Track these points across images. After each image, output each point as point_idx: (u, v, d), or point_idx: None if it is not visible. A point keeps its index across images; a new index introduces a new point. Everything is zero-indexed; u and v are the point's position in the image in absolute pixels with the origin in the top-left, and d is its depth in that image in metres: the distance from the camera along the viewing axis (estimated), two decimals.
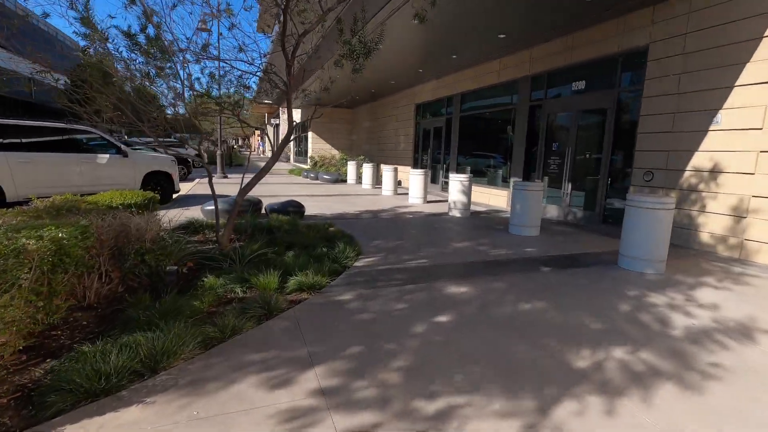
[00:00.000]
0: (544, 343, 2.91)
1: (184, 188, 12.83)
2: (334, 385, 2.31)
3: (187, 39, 4.48)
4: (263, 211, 7.92)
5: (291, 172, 20.87)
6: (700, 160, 6.04)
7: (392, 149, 17.66)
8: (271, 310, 3.26)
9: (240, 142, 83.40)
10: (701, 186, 6.02)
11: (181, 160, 16.01)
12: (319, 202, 10.30)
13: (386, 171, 12.66)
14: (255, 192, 12.03)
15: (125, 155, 8.57)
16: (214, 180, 15.25)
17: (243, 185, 5.15)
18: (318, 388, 2.28)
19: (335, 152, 23.71)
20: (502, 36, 8.72)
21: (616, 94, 7.38)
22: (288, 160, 34.76)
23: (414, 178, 10.78)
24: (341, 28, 4.51)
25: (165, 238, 3.94)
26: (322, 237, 5.78)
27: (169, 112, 5.35)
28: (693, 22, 6.06)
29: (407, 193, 11.94)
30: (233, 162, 25.04)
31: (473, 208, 9.95)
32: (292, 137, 5.21)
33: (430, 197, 11.87)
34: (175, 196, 10.54)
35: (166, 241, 3.91)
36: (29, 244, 2.57)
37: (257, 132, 66.29)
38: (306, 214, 8.17)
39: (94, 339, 2.76)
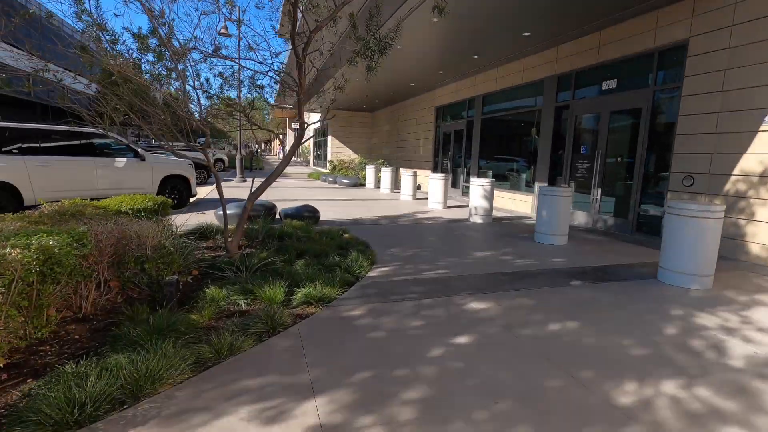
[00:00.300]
0: (580, 373, 2.53)
1: (203, 192, 12.84)
2: (335, 422, 2.01)
3: (194, 38, 4.29)
4: (277, 216, 7.73)
5: (310, 176, 20.82)
6: (748, 163, 5.50)
7: (412, 153, 17.35)
8: (274, 326, 2.99)
9: (263, 146, 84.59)
10: (750, 192, 5.48)
11: (201, 164, 16.11)
12: (336, 206, 10.07)
13: (405, 175, 12.35)
14: (271, 196, 11.90)
15: (142, 159, 8.54)
16: (233, 184, 15.27)
17: (252, 190, 4.94)
18: (317, 425, 1.98)
19: (355, 156, 23.57)
20: (526, 34, 8.32)
21: (651, 93, 6.88)
22: (308, 163, 34.91)
23: (434, 183, 10.44)
24: (354, 24, 4.25)
25: (167, 245, 3.73)
26: (335, 244, 5.51)
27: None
28: (739, 13, 5.55)
29: (427, 198, 11.60)
30: (254, 166, 25.21)
31: (496, 213, 9.53)
32: (303, 140, 4.97)
33: (450, 202, 11.50)
34: (192, 199, 10.51)
35: (167, 249, 3.70)
36: (11, 254, 2.38)
37: (280, 136, 67.24)
38: (321, 219, 7.94)
39: (83, 355, 2.54)
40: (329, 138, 24.27)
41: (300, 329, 3.04)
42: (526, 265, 5.01)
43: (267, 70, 4.54)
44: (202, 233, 5.83)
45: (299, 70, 4.24)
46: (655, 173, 6.96)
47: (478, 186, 8.33)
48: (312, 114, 32.54)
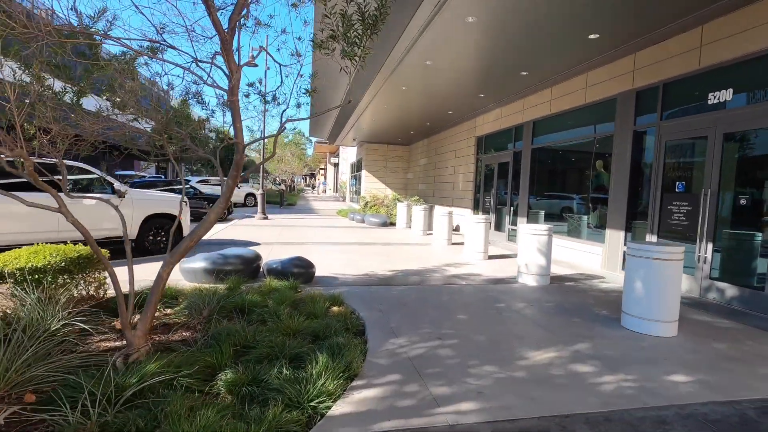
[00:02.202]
0: None
1: (214, 230, 11.53)
2: None
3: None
4: (262, 270, 5.99)
5: (339, 213, 19.33)
6: None
7: (449, 189, 15.40)
8: None
9: (307, 181, 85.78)
10: None
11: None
12: (349, 254, 8.24)
13: (439, 215, 10.38)
14: (280, 238, 10.28)
15: (121, 195, 7.24)
16: (252, 222, 13.46)
17: (171, 248, 3.21)
18: None
19: (389, 192, 21.95)
20: (593, 37, 6.35)
21: None
22: (345, 199, 33.77)
23: (473, 228, 8.38)
24: None
25: None
26: (310, 329, 3.61)
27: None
28: None
29: (463, 243, 9.52)
30: (285, 202, 24.21)
31: (553, 269, 7.25)
32: (249, 171, 3.25)
33: (493, 249, 9.33)
34: None
35: None
36: None
37: (322, 170, 67.60)
38: (320, 274, 6.11)
39: None
40: (363, 173, 22.88)
41: None
42: (624, 393, 2.81)
43: (189, 63, 2.86)
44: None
45: (227, 52, 2.54)
46: None
47: (530, 235, 6.20)
48: (349, 148, 31.64)
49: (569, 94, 8.45)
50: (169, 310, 4.22)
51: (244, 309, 4.10)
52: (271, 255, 7.74)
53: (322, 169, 63.67)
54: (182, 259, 5.72)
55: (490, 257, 8.51)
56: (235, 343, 3.18)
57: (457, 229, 14.11)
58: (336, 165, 42.44)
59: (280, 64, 3.17)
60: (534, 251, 6.16)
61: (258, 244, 9.29)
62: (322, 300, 4.44)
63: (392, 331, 3.85)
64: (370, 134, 19.37)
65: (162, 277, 3.13)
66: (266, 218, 15.17)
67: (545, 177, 9.89)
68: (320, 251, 8.48)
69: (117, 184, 7.25)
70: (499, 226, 11.69)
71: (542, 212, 9.73)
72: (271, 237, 10.46)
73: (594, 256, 7.73)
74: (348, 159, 32.82)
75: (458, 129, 14.47)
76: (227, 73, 2.63)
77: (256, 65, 12.72)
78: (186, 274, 5.45)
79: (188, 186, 14.92)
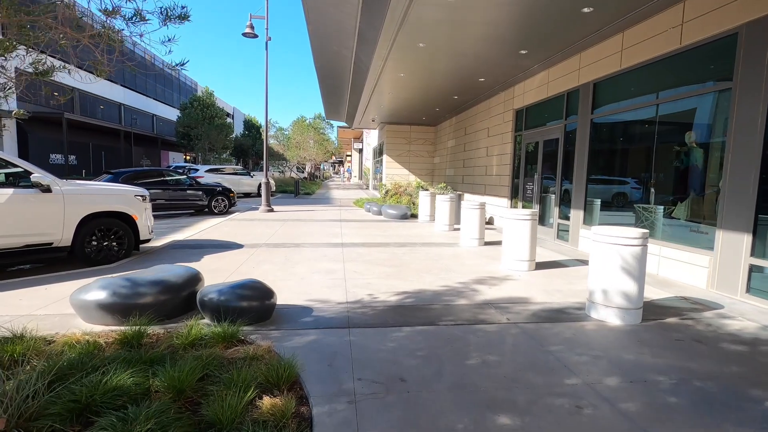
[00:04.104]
0: None
1: (200, 227, 9.85)
2: None
3: None
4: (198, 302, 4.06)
5: (356, 202, 17.35)
6: None
7: (481, 174, 13.08)
8: None
9: (335, 168, 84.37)
10: None
11: (224, 191, 13.41)
12: (347, 262, 6.23)
13: (468, 209, 8.17)
14: (265, 239, 8.00)
15: (47, 189, 5.51)
16: (254, 215, 11.36)
17: None
18: None
19: (413, 179, 19.76)
20: None
21: None
22: (367, 187, 31.78)
23: (515, 226, 6.14)
24: None
25: None
26: None
27: None
28: None
29: (500, 244, 7.32)
30: (301, 190, 22.46)
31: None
32: None
33: (540, 253, 7.05)
34: (158, 244, 7.42)
35: None
36: None
37: (348, 157, 65.73)
38: (287, 303, 4.13)
39: None
40: (384, 158, 20.76)
41: None
42: None
43: None
44: None
45: None
46: None
47: (610, 245, 3.95)
48: (372, 131, 29.49)
49: (652, 38, 5.99)
50: None
51: (90, 406, 2.18)
52: (243, 265, 5.86)
53: (348, 155, 61.96)
54: (76, 289, 3.89)
55: (538, 266, 6.27)
56: None
57: (490, 222, 11.84)
58: (360, 151, 40.43)
59: None
60: (616, 270, 3.92)
61: (240, 246, 7.47)
62: (251, 377, 2.45)
63: None
64: (391, 113, 17.19)
65: None
66: (271, 210, 13.42)
67: (609, 157, 7.49)
68: (311, 258, 6.53)
69: (37, 175, 5.50)
70: (543, 220, 9.35)
71: (597, 201, 7.42)
72: (262, 236, 8.62)
73: (691, 268, 5.37)
74: (372, 144, 30.73)
75: (492, 102, 12.06)
76: None
77: None
78: (80, 310, 3.61)
79: (183, 175, 13.35)
